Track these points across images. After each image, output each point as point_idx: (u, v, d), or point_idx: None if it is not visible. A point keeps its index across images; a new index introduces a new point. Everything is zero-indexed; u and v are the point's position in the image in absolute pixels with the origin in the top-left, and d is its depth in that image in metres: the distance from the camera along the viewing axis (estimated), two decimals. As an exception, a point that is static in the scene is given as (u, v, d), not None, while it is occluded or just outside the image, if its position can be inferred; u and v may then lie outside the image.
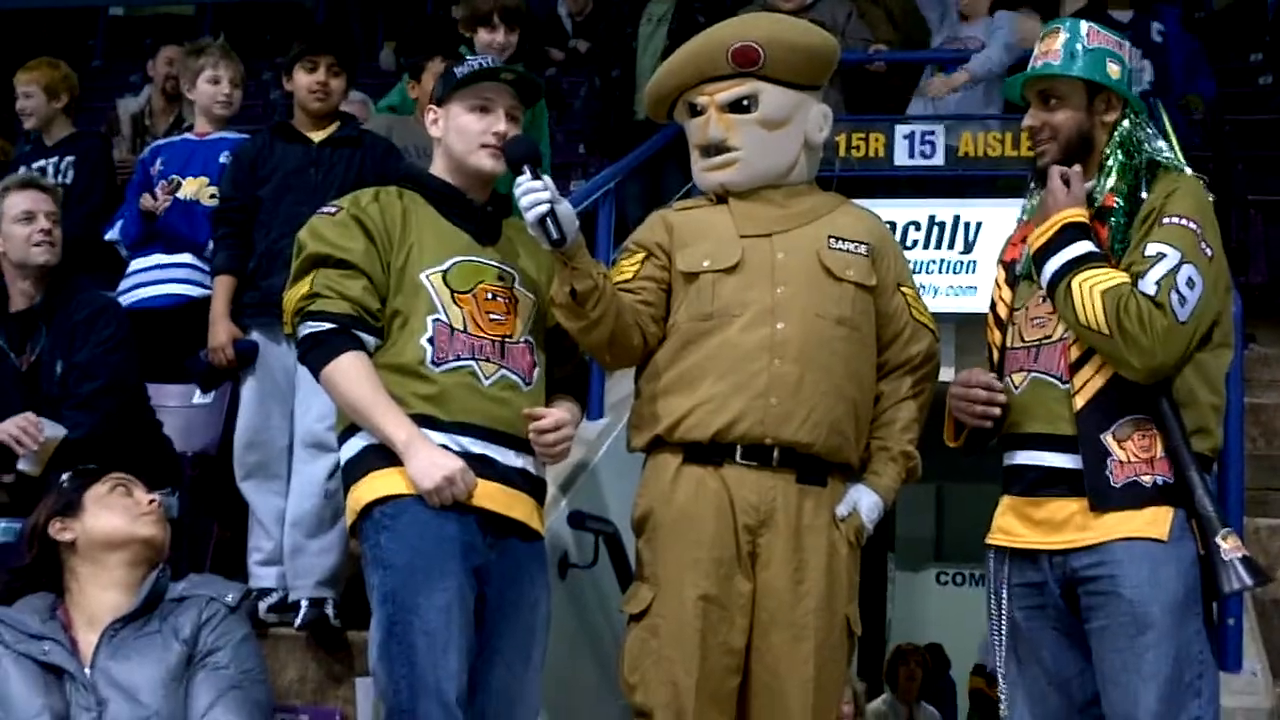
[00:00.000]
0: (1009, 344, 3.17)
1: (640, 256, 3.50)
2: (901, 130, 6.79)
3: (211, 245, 4.67)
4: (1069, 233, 3.01)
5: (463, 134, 3.36)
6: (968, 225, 6.29)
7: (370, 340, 3.26)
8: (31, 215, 4.28)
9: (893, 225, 6.25)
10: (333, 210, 3.34)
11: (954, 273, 6.25)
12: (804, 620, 3.31)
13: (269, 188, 4.48)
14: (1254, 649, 4.07)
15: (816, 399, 3.33)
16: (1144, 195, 3.04)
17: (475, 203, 3.40)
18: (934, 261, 6.16)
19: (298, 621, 4.20)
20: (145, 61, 7.56)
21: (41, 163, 6.19)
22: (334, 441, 4.26)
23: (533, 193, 3.16)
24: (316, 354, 3.26)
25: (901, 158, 6.77)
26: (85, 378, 4.07)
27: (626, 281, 3.45)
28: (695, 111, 3.53)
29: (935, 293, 6.08)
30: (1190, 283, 2.92)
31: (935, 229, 6.30)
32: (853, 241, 3.46)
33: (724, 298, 3.39)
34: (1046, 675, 3.07)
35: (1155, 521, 2.94)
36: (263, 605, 4.21)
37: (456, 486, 3.14)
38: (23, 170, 4.52)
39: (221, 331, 4.45)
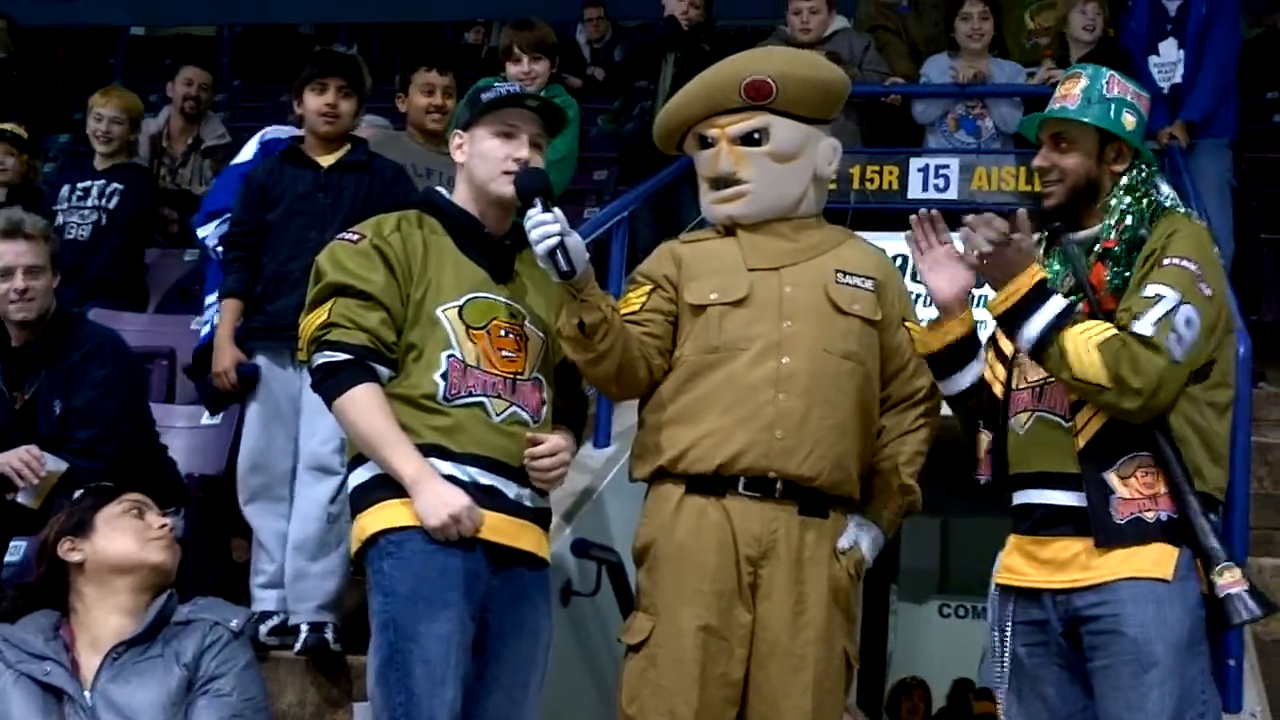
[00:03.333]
0: (1014, 385, 3.18)
1: (647, 288, 3.51)
2: (916, 163, 6.80)
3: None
4: (1038, 291, 3.02)
5: (485, 159, 3.36)
6: (979, 259, 6.27)
7: (384, 372, 3.27)
8: (9, 271, 4.24)
9: (905, 259, 6.24)
10: (355, 238, 3.34)
11: (964, 306, 6.23)
12: (803, 651, 3.31)
13: (277, 212, 4.49)
14: (1254, 689, 4.06)
15: (821, 433, 3.34)
16: (1144, 235, 3.06)
17: (493, 236, 3.41)
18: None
19: (298, 645, 4.20)
20: (166, 82, 7.60)
21: (88, 183, 6.31)
22: (337, 464, 4.29)
23: (543, 225, 3.16)
24: (330, 384, 3.27)
25: (915, 190, 6.77)
26: (83, 423, 4.07)
27: (633, 313, 3.46)
28: (705, 144, 3.54)
29: (944, 327, 6.07)
30: (1188, 322, 2.95)
31: (946, 262, 6.28)
32: (859, 276, 3.47)
33: (731, 331, 3.40)
34: (1049, 711, 3.08)
35: (1159, 561, 2.95)
36: (263, 628, 4.21)
37: (463, 524, 3.15)
38: (13, 211, 4.49)
39: (226, 356, 4.46)
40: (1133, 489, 2.97)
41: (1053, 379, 3.06)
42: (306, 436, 4.32)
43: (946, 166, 6.74)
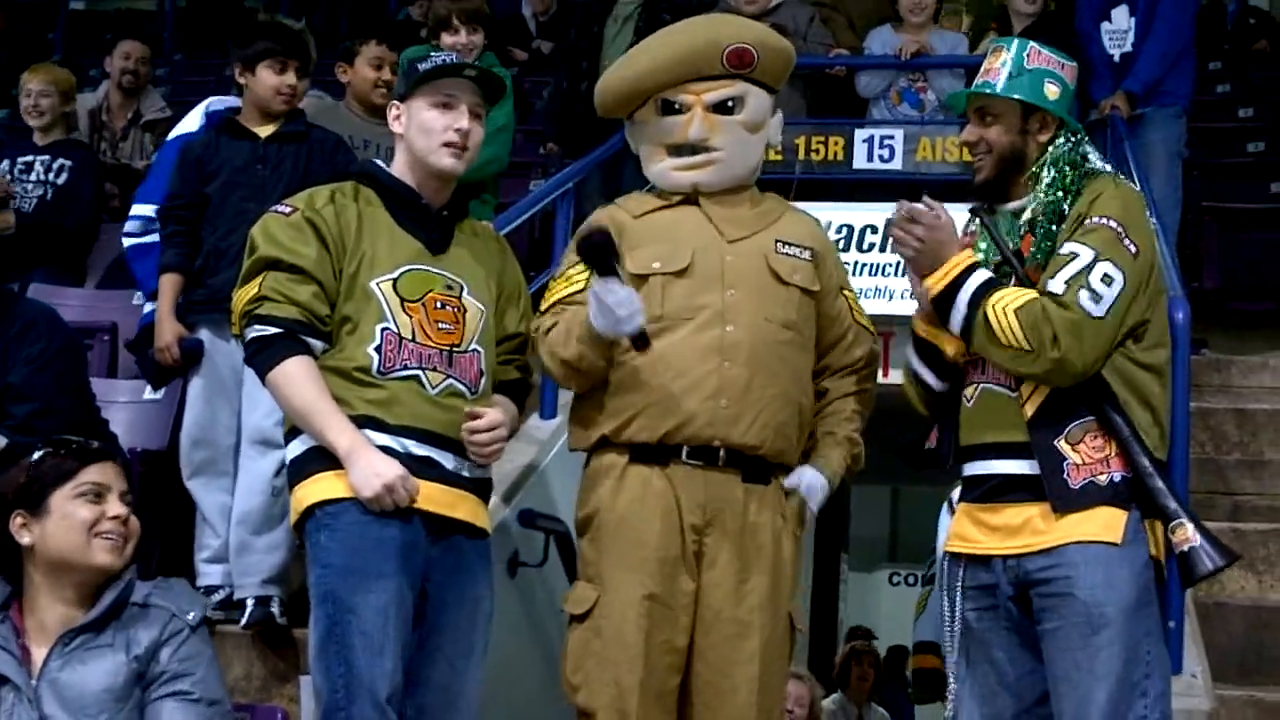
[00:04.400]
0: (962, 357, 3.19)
1: None
2: (861, 134, 6.81)
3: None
4: (968, 271, 3.06)
5: (424, 131, 3.33)
6: (924, 229, 6.30)
7: (317, 345, 3.25)
8: None
9: (850, 228, 6.28)
10: (287, 210, 3.32)
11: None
12: (748, 618, 3.32)
13: (216, 184, 4.45)
14: (1195, 651, 4.11)
15: (765, 402, 3.34)
16: (1062, 199, 3.10)
17: (431, 207, 3.38)
18: (890, 265, 6.17)
19: (243, 620, 4.19)
20: (105, 57, 7.53)
21: (29, 158, 6.24)
22: (281, 438, 4.26)
23: (622, 306, 3.18)
24: (262, 357, 3.25)
25: (860, 161, 6.80)
26: (18, 399, 4.02)
27: (578, 292, 3.42)
28: (672, 110, 3.49)
29: (891, 296, 6.10)
30: (1107, 278, 2.97)
31: (892, 232, 6.31)
32: (798, 246, 3.48)
33: (674, 300, 3.39)
34: (997, 674, 3.11)
35: (1110, 524, 2.98)
36: (209, 603, 4.18)
37: (397, 494, 3.14)
38: None
39: (167, 331, 4.43)
40: (1083, 454, 3.01)
41: None
42: (249, 410, 4.30)
43: (891, 137, 6.76)
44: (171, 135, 5.05)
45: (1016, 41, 3.27)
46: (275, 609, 4.21)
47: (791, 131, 6.79)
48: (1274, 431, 5.59)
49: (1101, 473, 3.00)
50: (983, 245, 3.21)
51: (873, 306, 6.18)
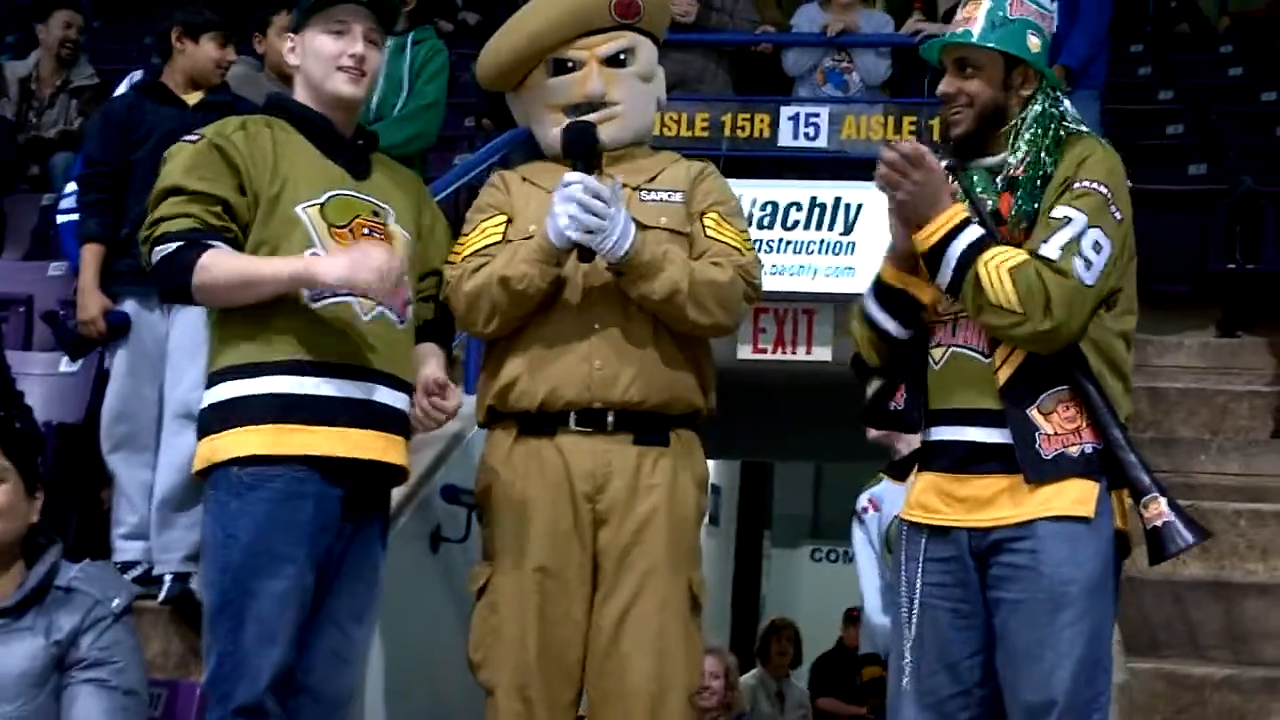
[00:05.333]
0: (930, 316, 3.10)
1: (503, 219, 3.44)
2: (786, 112, 6.83)
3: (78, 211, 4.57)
4: (960, 227, 2.94)
5: (319, 57, 3.24)
6: (848, 207, 6.34)
7: (222, 245, 3.11)
8: None
9: (775, 205, 6.31)
10: (195, 138, 3.21)
11: (834, 253, 6.31)
12: (644, 582, 3.29)
13: (142, 152, 4.38)
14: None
15: (641, 356, 3.31)
16: (1047, 160, 2.98)
17: (344, 136, 3.30)
18: (814, 242, 6.21)
19: (161, 595, 4.16)
20: (26, 23, 7.42)
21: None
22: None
23: (564, 201, 3.16)
24: (173, 272, 3.09)
25: (786, 139, 6.82)
26: None
27: (497, 244, 3.38)
28: (564, 68, 3.46)
29: (815, 273, 6.14)
30: (1097, 246, 2.88)
31: (816, 210, 6.35)
32: (668, 190, 3.43)
33: None
34: (939, 652, 3.02)
35: (1082, 498, 2.91)
36: (126, 579, 4.15)
37: (390, 268, 3.00)
38: None
39: (92, 303, 4.37)
40: (1056, 424, 2.92)
41: (965, 313, 2.98)
42: (174, 383, 4.26)
43: (817, 115, 6.78)
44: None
45: None
46: (194, 586, 4.17)
47: (718, 108, 6.82)
48: (1186, 410, 5.69)
49: (1074, 444, 2.92)
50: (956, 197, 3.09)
51: (796, 284, 6.27)
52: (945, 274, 2.94)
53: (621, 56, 3.45)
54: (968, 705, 3.01)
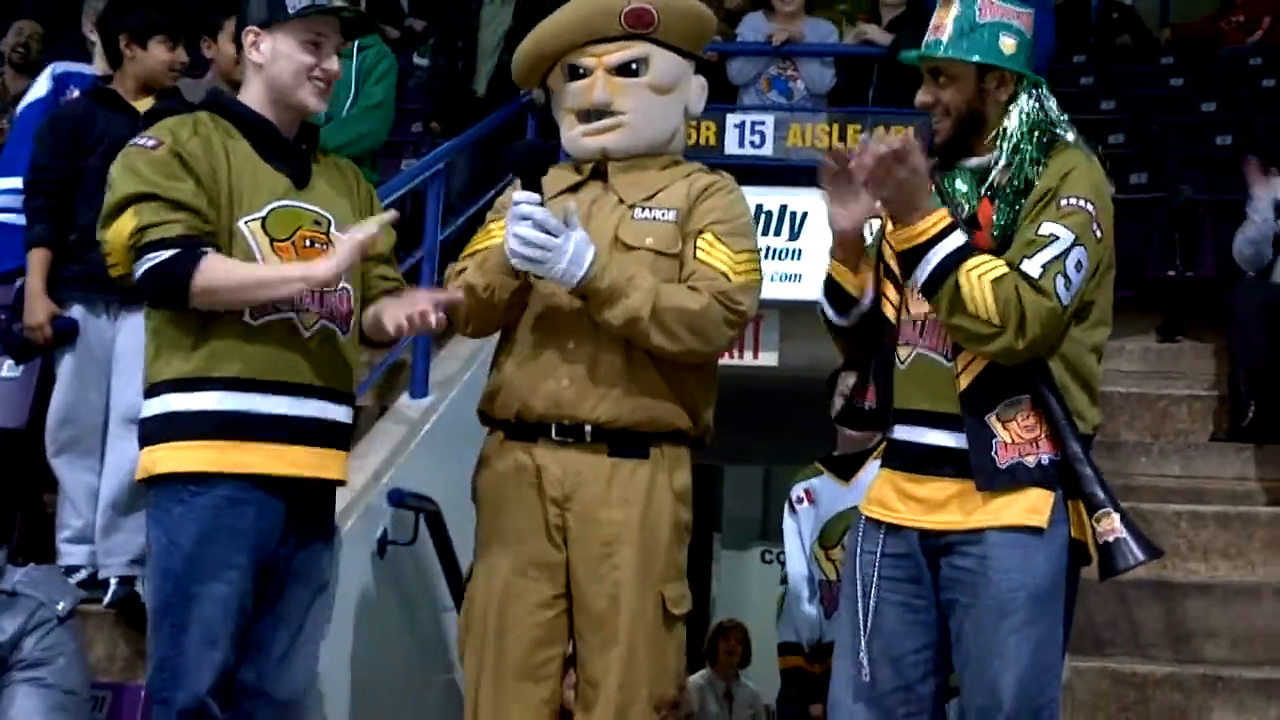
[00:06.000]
0: (900, 315, 3.07)
1: None
2: (732, 119, 6.86)
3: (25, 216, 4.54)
4: (944, 233, 2.90)
5: (290, 65, 3.19)
6: (794, 214, 6.40)
7: (212, 250, 3.07)
8: None
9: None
10: (151, 144, 3.13)
11: (780, 259, 6.35)
12: (613, 593, 3.27)
13: (94, 158, 4.33)
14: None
15: (613, 377, 3.28)
16: (1030, 171, 2.96)
17: (289, 141, 3.26)
18: (761, 249, 6.22)
19: (107, 599, 4.13)
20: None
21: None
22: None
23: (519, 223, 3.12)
24: (169, 280, 3.04)
25: (732, 146, 6.85)
26: None
27: (495, 244, 3.34)
28: (577, 74, 3.43)
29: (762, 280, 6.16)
30: (1078, 265, 2.87)
31: (763, 217, 6.39)
32: (662, 208, 3.36)
33: (532, 279, 3.31)
34: (883, 646, 3.01)
35: (1035, 508, 2.90)
36: (70, 582, 4.13)
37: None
38: None
39: (40, 310, 4.33)
40: (1013, 433, 2.91)
41: (934, 315, 2.96)
42: (121, 387, 4.24)
43: (762, 123, 6.82)
44: (23, 104, 4.95)
45: None
46: (140, 589, 4.14)
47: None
48: (1129, 414, 5.77)
49: (1030, 454, 2.90)
50: (934, 199, 3.04)
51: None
52: (921, 275, 2.91)
53: (633, 66, 3.39)
54: (907, 701, 3.01)
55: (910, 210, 2.91)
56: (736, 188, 3.48)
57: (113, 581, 4.15)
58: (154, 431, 3.14)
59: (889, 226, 3.06)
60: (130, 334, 4.31)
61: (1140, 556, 2.90)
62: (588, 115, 3.41)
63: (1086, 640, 4.48)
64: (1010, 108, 3.00)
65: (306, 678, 3.30)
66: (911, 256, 2.92)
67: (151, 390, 3.16)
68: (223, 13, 5.05)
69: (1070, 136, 3.02)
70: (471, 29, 6.96)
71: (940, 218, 2.90)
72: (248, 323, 3.09)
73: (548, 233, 3.13)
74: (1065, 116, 3.04)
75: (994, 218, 2.95)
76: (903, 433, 3.04)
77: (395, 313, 3.18)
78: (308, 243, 3.17)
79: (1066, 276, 2.85)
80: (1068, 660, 4.12)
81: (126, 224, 3.08)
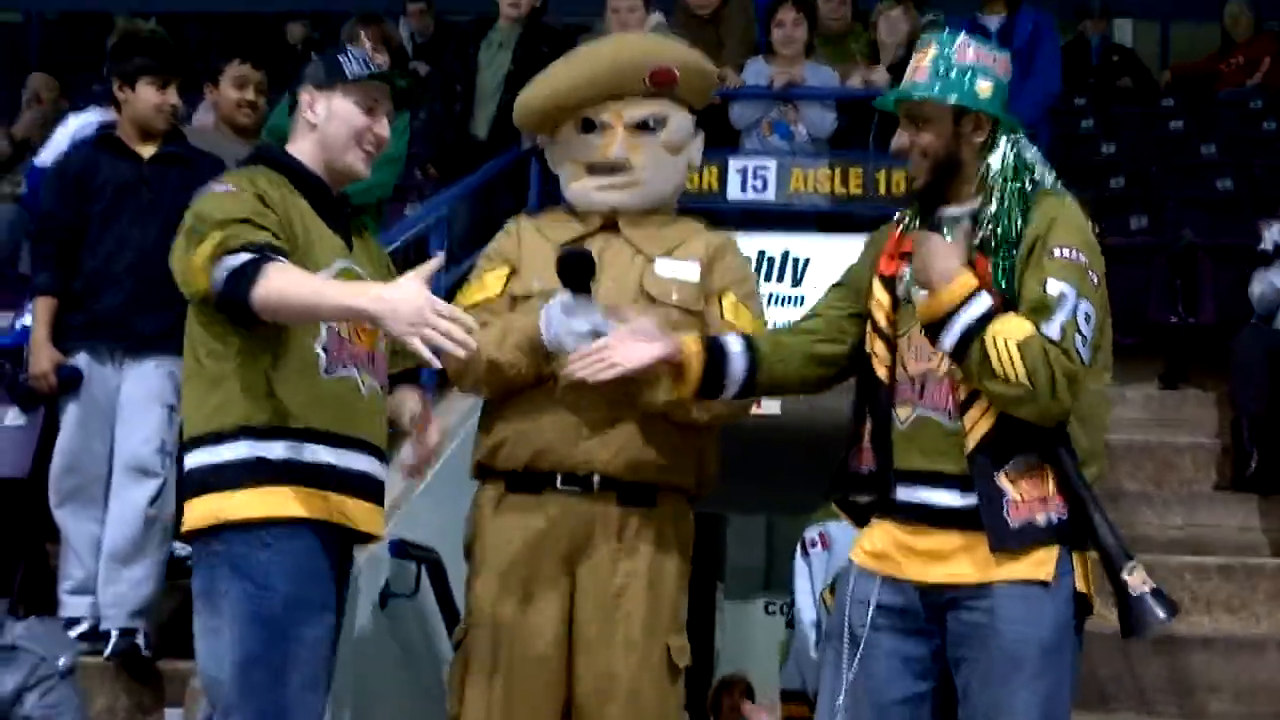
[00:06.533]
0: (896, 374, 3.04)
1: (507, 270, 3.42)
2: (735, 164, 6.87)
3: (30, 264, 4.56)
4: (970, 297, 2.88)
5: (347, 126, 3.18)
6: (796, 260, 6.39)
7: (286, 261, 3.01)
8: None
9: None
10: (230, 188, 3.09)
11: (782, 306, 6.35)
12: (622, 644, 3.28)
13: (99, 205, 4.37)
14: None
15: (628, 430, 3.29)
16: (1019, 221, 2.95)
17: (338, 203, 3.25)
18: (763, 295, 6.23)
19: (108, 651, 4.13)
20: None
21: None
22: (158, 466, 4.23)
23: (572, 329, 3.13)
24: (239, 281, 2.93)
25: (735, 192, 6.84)
26: None
27: (495, 298, 3.36)
28: (592, 127, 3.44)
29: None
30: (1088, 318, 2.86)
31: (765, 263, 6.38)
32: (683, 264, 3.39)
33: None
34: (871, 695, 2.97)
35: (1042, 561, 2.89)
36: (71, 634, 4.12)
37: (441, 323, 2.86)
38: None
39: (44, 358, 4.35)
40: (1023, 490, 2.88)
41: (934, 374, 2.96)
42: (125, 436, 4.26)
43: (765, 168, 6.82)
44: (40, 161, 4.98)
45: (945, 36, 3.05)
46: (140, 641, 4.15)
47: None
48: (1131, 464, 5.75)
49: (1040, 511, 2.88)
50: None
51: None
52: (947, 340, 2.88)
53: (650, 123, 3.42)
54: None
55: (939, 278, 2.88)
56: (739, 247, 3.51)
57: (114, 633, 4.15)
58: (220, 478, 3.03)
59: (877, 290, 3.06)
60: (135, 382, 4.33)
61: (1167, 614, 2.87)
62: (599, 169, 3.42)
63: (1090, 694, 4.46)
64: (990, 155, 3.00)
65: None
66: (936, 321, 2.89)
67: (214, 437, 3.05)
68: (224, 58, 5.09)
69: (1049, 180, 3.02)
70: (470, 73, 6.98)
71: (965, 282, 2.87)
72: (314, 375, 3.05)
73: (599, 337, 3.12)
74: (1043, 166, 3.03)
75: (993, 272, 2.93)
76: (905, 494, 2.99)
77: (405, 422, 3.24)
78: None
79: (1082, 334, 2.84)
80: (1072, 716, 4.11)
81: (211, 241, 2.97)
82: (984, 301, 2.87)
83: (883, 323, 3.05)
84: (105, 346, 4.34)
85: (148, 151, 4.48)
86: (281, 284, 2.90)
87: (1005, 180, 2.98)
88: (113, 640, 4.15)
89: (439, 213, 5.65)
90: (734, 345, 3.12)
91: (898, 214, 3.18)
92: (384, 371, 3.21)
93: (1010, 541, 2.88)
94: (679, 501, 3.40)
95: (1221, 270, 6.77)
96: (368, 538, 3.22)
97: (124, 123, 4.54)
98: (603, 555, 3.30)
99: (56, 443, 4.40)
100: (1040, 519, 2.89)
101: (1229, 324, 6.18)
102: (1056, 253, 2.89)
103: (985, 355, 2.83)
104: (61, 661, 3.10)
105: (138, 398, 4.33)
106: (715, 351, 3.09)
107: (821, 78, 7.04)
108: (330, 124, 3.20)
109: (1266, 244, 5.99)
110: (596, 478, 3.30)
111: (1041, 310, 2.86)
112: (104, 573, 4.22)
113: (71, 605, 4.28)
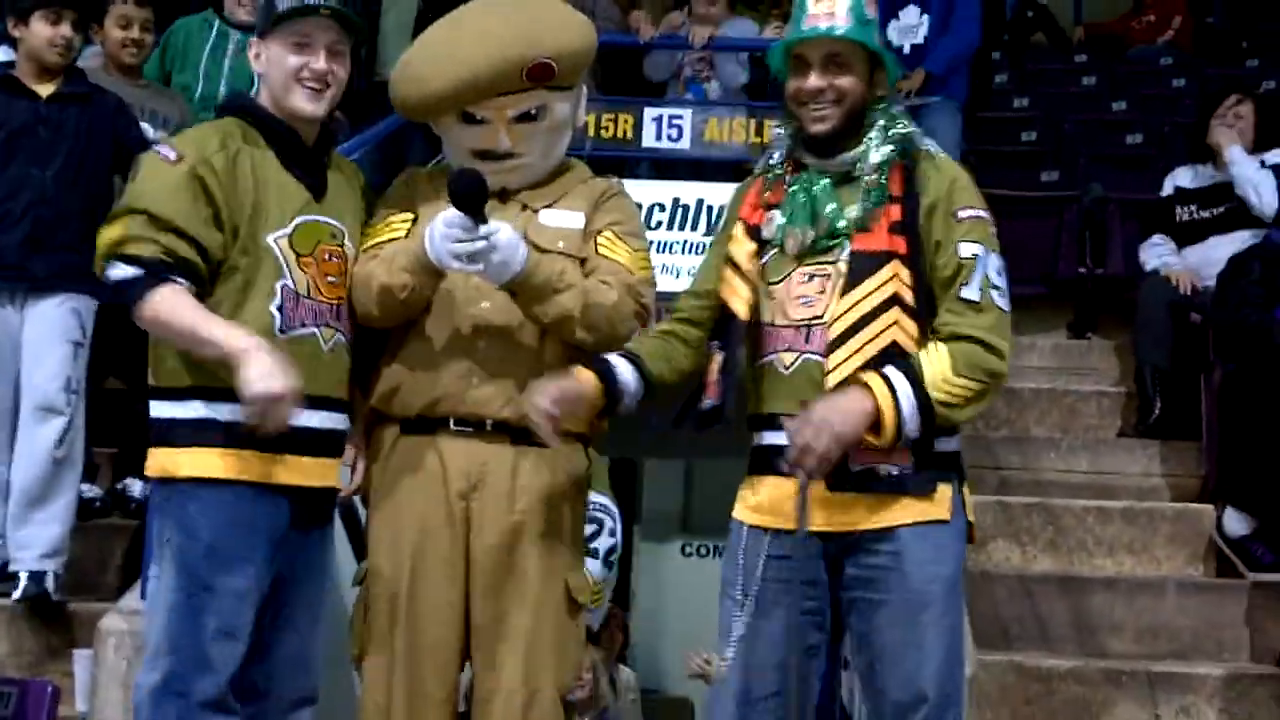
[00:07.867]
0: (771, 319, 3.06)
1: (410, 217, 3.38)
2: (650, 113, 6.86)
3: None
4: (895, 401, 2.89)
5: (279, 70, 3.19)
6: (710, 208, 6.40)
7: (184, 284, 3.06)
8: None
9: (638, 206, 6.32)
10: (173, 157, 3.09)
11: (697, 254, 6.36)
12: (517, 584, 3.29)
13: None
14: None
15: (521, 378, 3.28)
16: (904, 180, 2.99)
17: (310, 149, 3.25)
18: (677, 242, 6.26)
19: (16, 594, 4.10)
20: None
21: None
22: (63, 404, 4.19)
23: (460, 243, 3.10)
24: (124, 299, 3.05)
25: (650, 140, 6.83)
26: None
27: (398, 239, 3.33)
28: (474, 120, 3.41)
29: (678, 274, 6.17)
30: (1000, 270, 2.94)
31: (679, 210, 6.40)
32: (567, 213, 3.41)
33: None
34: (769, 651, 3.00)
35: (939, 501, 2.94)
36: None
37: (278, 414, 2.97)
38: None
39: None
40: None
41: (819, 320, 2.97)
42: (30, 375, 4.22)
43: (680, 117, 6.81)
44: None
45: None
46: (50, 584, 4.12)
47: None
48: (1039, 410, 5.85)
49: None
50: (799, 199, 3.04)
51: (659, 284, 6.24)
52: (913, 427, 2.87)
53: (533, 113, 3.40)
54: (779, 708, 2.99)
55: (857, 432, 2.86)
56: (627, 192, 3.55)
57: (23, 576, 4.12)
58: (176, 433, 3.11)
59: (739, 235, 3.10)
60: (37, 321, 4.29)
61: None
62: (486, 155, 3.41)
63: (993, 634, 4.55)
64: (882, 109, 3.03)
65: (318, 677, 3.30)
66: (896, 438, 2.87)
67: (171, 392, 3.12)
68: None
69: (930, 146, 3.06)
70: (372, 14, 6.90)
71: (867, 398, 2.85)
72: (275, 337, 3.07)
73: (480, 243, 3.12)
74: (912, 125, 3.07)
75: (904, 217, 2.96)
76: (782, 437, 2.95)
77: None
78: (327, 256, 3.20)
79: (997, 286, 2.93)
80: (975, 653, 4.20)
81: (115, 231, 3.05)
82: (903, 385, 2.86)
83: (745, 265, 3.07)
84: (6, 286, 4.29)
85: (46, 90, 4.41)
86: (162, 311, 3.01)
87: (883, 127, 3.01)
88: (22, 582, 4.12)
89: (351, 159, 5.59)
90: (614, 358, 3.17)
91: (758, 167, 3.22)
92: (353, 320, 3.23)
93: (909, 485, 2.91)
94: (570, 442, 3.39)
95: (1129, 223, 6.87)
96: (326, 492, 3.25)
97: (21, 60, 4.48)
98: (495, 498, 3.30)
99: (-42, 384, 4.35)
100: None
101: (1136, 275, 6.28)
102: (961, 214, 2.96)
103: (944, 403, 2.86)
104: None
105: (41, 336, 4.29)
106: (603, 368, 3.15)
107: (740, 31, 7.06)
108: (270, 70, 3.22)
109: (1168, 189, 6.09)
110: (489, 422, 3.31)
111: (962, 275, 2.93)
112: (13, 513, 4.19)
113: (-20, 547, 4.25)
